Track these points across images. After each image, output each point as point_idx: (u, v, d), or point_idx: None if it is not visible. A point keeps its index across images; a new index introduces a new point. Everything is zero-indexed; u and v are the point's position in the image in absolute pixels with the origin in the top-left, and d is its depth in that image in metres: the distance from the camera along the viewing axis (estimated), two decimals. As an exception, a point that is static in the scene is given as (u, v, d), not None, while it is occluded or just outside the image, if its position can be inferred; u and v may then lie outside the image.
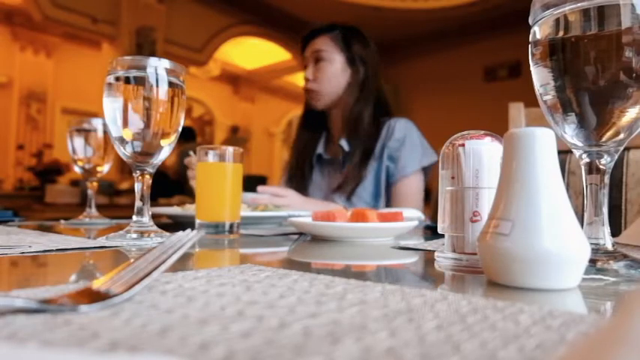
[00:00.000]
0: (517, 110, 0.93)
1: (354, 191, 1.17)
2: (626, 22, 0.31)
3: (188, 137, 3.53)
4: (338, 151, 1.28)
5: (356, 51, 1.24)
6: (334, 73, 1.24)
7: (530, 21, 0.36)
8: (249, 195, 1.00)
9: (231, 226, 0.59)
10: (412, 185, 1.18)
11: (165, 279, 0.25)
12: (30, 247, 0.40)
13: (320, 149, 1.31)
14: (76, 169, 0.85)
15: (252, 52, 5.47)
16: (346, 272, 0.34)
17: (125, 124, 0.49)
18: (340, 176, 1.23)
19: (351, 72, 1.24)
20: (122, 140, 0.50)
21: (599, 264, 0.31)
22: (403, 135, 1.19)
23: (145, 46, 4.06)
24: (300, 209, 1.00)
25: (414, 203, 1.15)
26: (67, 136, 0.83)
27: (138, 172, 0.51)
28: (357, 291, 0.23)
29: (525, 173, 0.27)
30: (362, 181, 1.17)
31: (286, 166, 1.37)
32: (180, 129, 0.53)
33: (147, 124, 0.50)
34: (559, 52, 0.34)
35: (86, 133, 0.83)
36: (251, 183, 1.24)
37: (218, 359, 0.13)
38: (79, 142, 0.83)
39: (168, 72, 0.50)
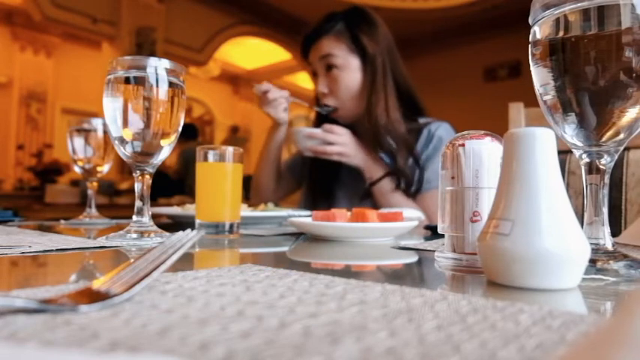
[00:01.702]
0: (517, 110, 0.93)
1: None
2: (626, 22, 0.31)
3: (190, 135, 3.53)
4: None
5: (366, 43, 1.05)
6: (352, 81, 1.07)
7: (530, 21, 0.36)
8: (306, 129, 0.99)
9: (231, 226, 0.59)
10: (433, 200, 1.01)
11: (165, 279, 0.25)
12: (30, 247, 0.40)
13: None
14: (76, 169, 0.84)
15: (252, 52, 5.47)
16: (346, 272, 0.34)
17: (125, 124, 0.49)
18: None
19: (367, 69, 1.06)
20: (122, 140, 0.50)
21: (599, 264, 0.31)
22: (439, 144, 1.05)
23: (144, 46, 4.06)
24: (352, 153, 0.97)
25: (431, 218, 0.99)
26: (67, 136, 0.83)
27: (138, 172, 0.51)
28: (357, 291, 0.23)
29: (525, 173, 0.27)
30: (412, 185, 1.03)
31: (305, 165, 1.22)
32: (180, 129, 0.53)
33: (147, 124, 0.50)
34: (559, 52, 0.34)
35: (86, 133, 0.83)
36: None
37: (218, 359, 0.13)
38: (79, 142, 0.83)
39: (168, 72, 0.50)
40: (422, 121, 1.12)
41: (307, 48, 1.13)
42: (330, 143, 0.99)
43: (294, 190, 1.29)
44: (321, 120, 1.16)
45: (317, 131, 0.99)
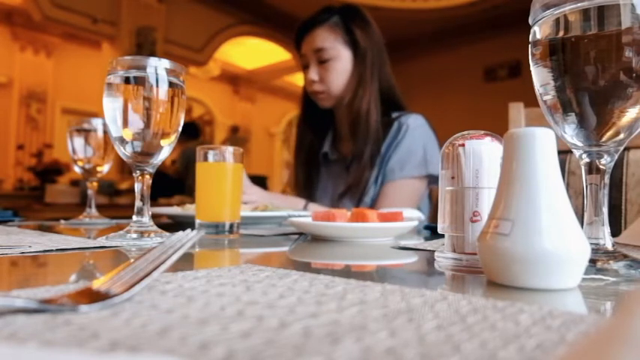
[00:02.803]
0: (517, 110, 0.93)
1: (363, 196, 1.07)
2: (626, 22, 0.31)
3: (191, 134, 3.53)
4: (346, 150, 1.17)
5: (359, 36, 1.10)
6: (342, 70, 1.11)
7: (530, 21, 0.36)
8: None
9: (231, 226, 0.59)
10: (395, 191, 1.04)
11: (165, 279, 0.25)
12: (30, 247, 0.40)
13: (326, 148, 1.21)
14: (76, 169, 0.85)
15: (252, 52, 5.47)
16: (346, 272, 0.34)
17: (125, 124, 0.49)
18: (348, 178, 1.12)
19: (357, 62, 1.10)
20: (122, 140, 0.50)
21: (599, 264, 0.31)
22: (404, 134, 1.07)
23: (145, 46, 4.06)
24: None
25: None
26: (67, 136, 0.83)
27: (138, 172, 0.51)
28: (357, 291, 0.23)
29: (525, 173, 0.27)
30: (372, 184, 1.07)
31: (290, 165, 1.29)
32: (180, 129, 0.53)
33: (147, 124, 0.50)
34: (559, 52, 0.34)
35: (86, 133, 0.83)
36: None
37: (218, 359, 0.13)
38: (79, 142, 0.83)
39: (168, 72, 0.50)
40: (394, 115, 1.14)
41: (300, 38, 1.16)
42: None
43: None
44: (307, 102, 1.21)
45: None
